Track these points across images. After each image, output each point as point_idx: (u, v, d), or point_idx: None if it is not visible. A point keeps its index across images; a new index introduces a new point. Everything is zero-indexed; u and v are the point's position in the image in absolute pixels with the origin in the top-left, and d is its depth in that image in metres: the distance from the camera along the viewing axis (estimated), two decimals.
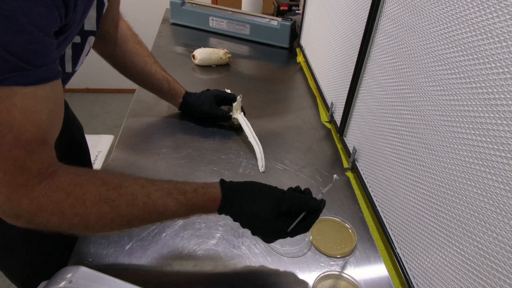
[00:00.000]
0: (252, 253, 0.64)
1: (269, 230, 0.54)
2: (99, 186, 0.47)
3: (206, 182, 0.55)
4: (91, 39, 0.58)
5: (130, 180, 0.50)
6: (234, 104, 0.92)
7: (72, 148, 0.89)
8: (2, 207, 0.42)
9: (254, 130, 0.90)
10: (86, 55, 0.60)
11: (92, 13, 0.55)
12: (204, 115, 0.93)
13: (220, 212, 0.55)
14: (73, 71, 0.61)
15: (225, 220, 0.70)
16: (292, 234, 0.55)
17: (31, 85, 0.39)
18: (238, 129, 0.94)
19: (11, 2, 0.34)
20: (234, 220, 0.56)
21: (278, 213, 0.54)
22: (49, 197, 0.43)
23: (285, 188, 0.58)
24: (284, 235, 0.55)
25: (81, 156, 0.95)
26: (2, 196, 0.41)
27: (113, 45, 0.82)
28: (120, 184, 0.48)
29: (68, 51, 0.56)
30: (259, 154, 0.84)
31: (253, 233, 0.56)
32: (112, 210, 0.47)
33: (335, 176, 0.59)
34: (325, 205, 0.56)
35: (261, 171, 0.82)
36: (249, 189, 0.56)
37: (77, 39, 0.55)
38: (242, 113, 0.93)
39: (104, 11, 0.59)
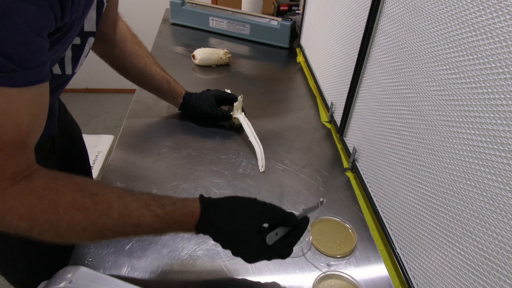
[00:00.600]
0: None
1: (250, 246, 0.51)
2: (74, 192, 0.45)
3: (187, 197, 0.52)
4: (91, 40, 0.58)
5: (107, 188, 0.48)
6: (235, 104, 0.92)
7: (71, 151, 0.89)
8: None
9: (254, 130, 0.90)
10: (86, 56, 0.60)
11: (92, 14, 0.55)
12: (204, 115, 0.93)
13: (197, 229, 0.51)
14: (73, 73, 0.60)
15: None
16: (275, 251, 0.52)
17: (17, 87, 0.38)
18: (238, 129, 0.94)
19: (5, 2, 0.34)
20: (214, 239, 0.52)
21: (260, 226, 0.51)
22: (20, 200, 0.41)
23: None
24: (265, 252, 0.51)
25: (79, 159, 0.95)
26: None
27: (112, 46, 0.82)
28: (97, 191, 0.46)
29: (68, 53, 0.55)
30: (260, 154, 0.84)
31: (234, 253, 0.52)
32: (85, 218, 0.44)
33: (322, 199, 0.57)
34: (308, 223, 0.55)
35: (261, 171, 0.82)
36: (228, 203, 0.53)
37: (77, 40, 0.55)
38: (243, 113, 0.93)
39: (103, 12, 0.59)
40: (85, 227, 0.45)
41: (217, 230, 0.51)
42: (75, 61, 0.58)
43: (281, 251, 0.53)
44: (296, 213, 0.55)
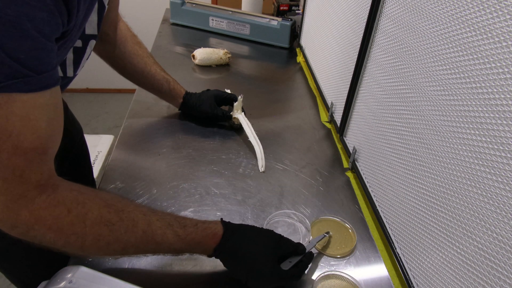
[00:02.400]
0: None
1: (267, 274, 0.53)
2: (101, 208, 0.46)
3: (208, 220, 0.55)
4: (92, 43, 0.58)
5: (132, 206, 0.50)
6: (235, 104, 0.92)
7: (72, 150, 0.89)
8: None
9: (254, 130, 0.90)
10: (87, 58, 0.60)
11: (94, 17, 0.55)
12: (204, 115, 0.93)
13: (216, 251, 0.53)
14: (74, 75, 0.60)
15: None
16: (287, 278, 0.54)
17: (32, 92, 0.38)
18: (238, 129, 0.94)
19: (16, 8, 0.34)
20: (229, 264, 0.54)
21: (276, 256, 0.54)
22: (49, 211, 0.42)
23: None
24: (279, 280, 0.53)
25: (80, 158, 0.95)
26: (0, 204, 0.40)
27: (113, 47, 0.82)
28: (123, 208, 0.48)
29: (70, 56, 0.55)
30: (259, 154, 0.84)
31: (249, 280, 0.53)
32: (111, 233, 0.46)
33: (330, 233, 0.67)
34: (313, 257, 0.60)
35: (261, 171, 0.82)
36: (249, 229, 0.56)
37: (79, 43, 0.55)
38: (243, 113, 0.93)
39: (104, 14, 0.59)
40: (109, 243, 0.46)
41: (235, 255, 0.53)
42: (77, 64, 0.58)
43: (292, 278, 0.56)
44: (305, 242, 0.62)
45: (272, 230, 0.57)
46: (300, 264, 0.56)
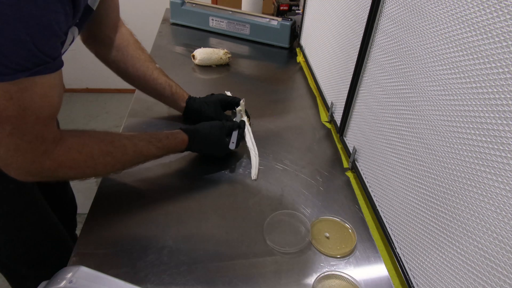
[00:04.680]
0: (252, 253, 0.64)
1: (222, 147, 0.80)
2: (99, 143, 0.61)
3: (171, 130, 0.75)
4: (74, 29, 0.64)
5: (117, 135, 0.65)
6: (237, 109, 0.91)
7: None
8: (28, 168, 0.53)
9: (254, 130, 0.89)
10: (70, 44, 0.65)
11: None
12: (209, 120, 0.92)
13: (186, 150, 0.77)
14: None
15: (225, 221, 0.70)
16: (236, 145, 0.82)
17: (50, 73, 0.49)
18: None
19: (47, 14, 0.44)
20: (197, 152, 0.82)
21: (224, 135, 0.81)
22: (66, 156, 0.56)
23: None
24: (231, 146, 0.81)
25: None
26: (27, 160, 0.52)
27: (115, 50, 0.82)
28: (113, 140, 0.63)
29: None
30: (254, 162, 0.83)
31: (210, 154, 0.83)
32: (113, 159, 0.63)
33: (242, 99, 0.91)
34: (244, 126, 0.87)
35: (253, 178, 0.80)
36: (202, 128, 0.79)
37: None
38: (245, 118, 0.92)
39: (91, 6, 0.63)
40: (114, 165, 0.64)
41: (200, 145, 0.79)
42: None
43: (237, 145, 0.83)
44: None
45: (218, 121, 0.82)
46: (239, 132, 0.84)
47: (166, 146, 0.72)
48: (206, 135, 0.78)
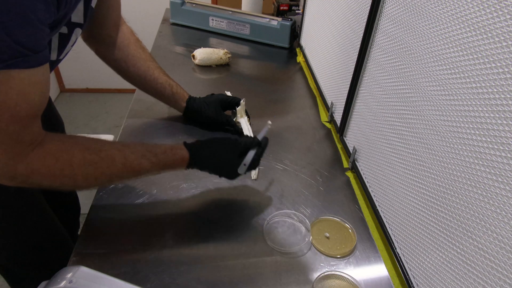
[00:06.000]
0: (252, 253, 0.64)
1: (232, 169, 0.67)
2: (82, 151, 0.54)
3: (173, 144, 0.65)
4: (78, 31, 0.62)
5: (107, 144, 0.58)
6: (238, 109, 0.91)
7: None
8: (0, 171, 0.49)
9: (254, 130, 0.89)
10: (72, 45, 0.64)
11: (80, 7, 0.59)
12: (209, 120, 0.92)
13: (188, 168, 0.66)
14: (58, 60, 0.63)
15: (226, 221, 0.70)
16: (249, 168, 0.68)
17: (30, 68, 0.45)
18: (243, 133, 0.94)
19: (22, 2, 0.40)
20: (201, 170, 0.67)
21: (239, 153, 0.67)
22: (41, 162, 0.50)
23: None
24: (241, 170, 0.67)
25: None
26: (0, 162, 0.48)
27: (116, 49, 0.82)
28: (100, 148, 0.56)
29: (55, 40, 0.58)
30: None
31: (220, 176, 0.68)
32: (96, 170, 0.55)
33: (269, 122, 0.73)
34: (266, 145, 0.71)
35: (253, 178, 0.80)
36: (209, 144, 0.67)
37: (64, 29, 0.58)
38: (245, 117, 0.92)
39: (92, 5, 0.62)
40: (97, 178, 0.56)
41: (204, 163, 0.67)
42: (61, 49, 0.62)
43: (253, 167, 0.69)
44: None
45: (232, 138, 0.69)
46: (258, 152, 0.69)
47: (161, 162, 0.62)
48: (213, 153, 0.66)
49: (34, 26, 0.43)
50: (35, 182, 0.51)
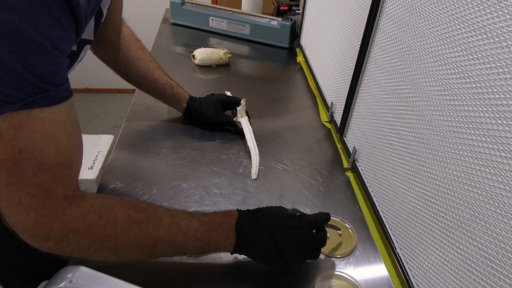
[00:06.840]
0: None
1: (304, 257, 0.57)
2: (128, 209, 0.49)
3: (223, 211, 0.59)
4: (87, 47, 0.59)
5: (155, 205, 0.54)
6: (238, 108, 0.91)
7: None
8: (31, 231, 0.43)
9: (254, 130, 0.89)
10: (79, 61, 0.61)
11: (91, 23, 0.56)
12: (209, 120, 0.92)
13: (237, 228, 0.55)
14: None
15: None
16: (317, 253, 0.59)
17: (51, 106, 0.40)
18: (243, 133, 0.94)
19: (36, 29, 0.35)
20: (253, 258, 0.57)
21: (308, 248, 0.57)
22: (81, 219, 0.45)
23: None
24: (314, 254, 0.58)
25: None
26: (31, 220, 0.41)
27: (116, 51, 0.82)
28: (147, 207, 0.52)
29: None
30: (255, 162, 0.83)
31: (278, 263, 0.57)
32: (140, 230, 0.49)
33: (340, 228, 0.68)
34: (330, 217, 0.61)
35: (253, 178, 0.80)
36: (272, 216, 0.58)
37: (74, 47, 0.55)
38: (246, 117, 0.92)
39: (102, 21, 0.59)
40: (140, 240, 0.49)
41: (256, 257, 0.58)
42: (69, 67, 0.59)
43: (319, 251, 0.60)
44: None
45: (306, 217, 0.57)
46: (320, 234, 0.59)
47: (211, 221, 0.55)
48: (288, 241, 0.55)
49: (52, 56, 0.38)
50: (71, 244, 0.45)
